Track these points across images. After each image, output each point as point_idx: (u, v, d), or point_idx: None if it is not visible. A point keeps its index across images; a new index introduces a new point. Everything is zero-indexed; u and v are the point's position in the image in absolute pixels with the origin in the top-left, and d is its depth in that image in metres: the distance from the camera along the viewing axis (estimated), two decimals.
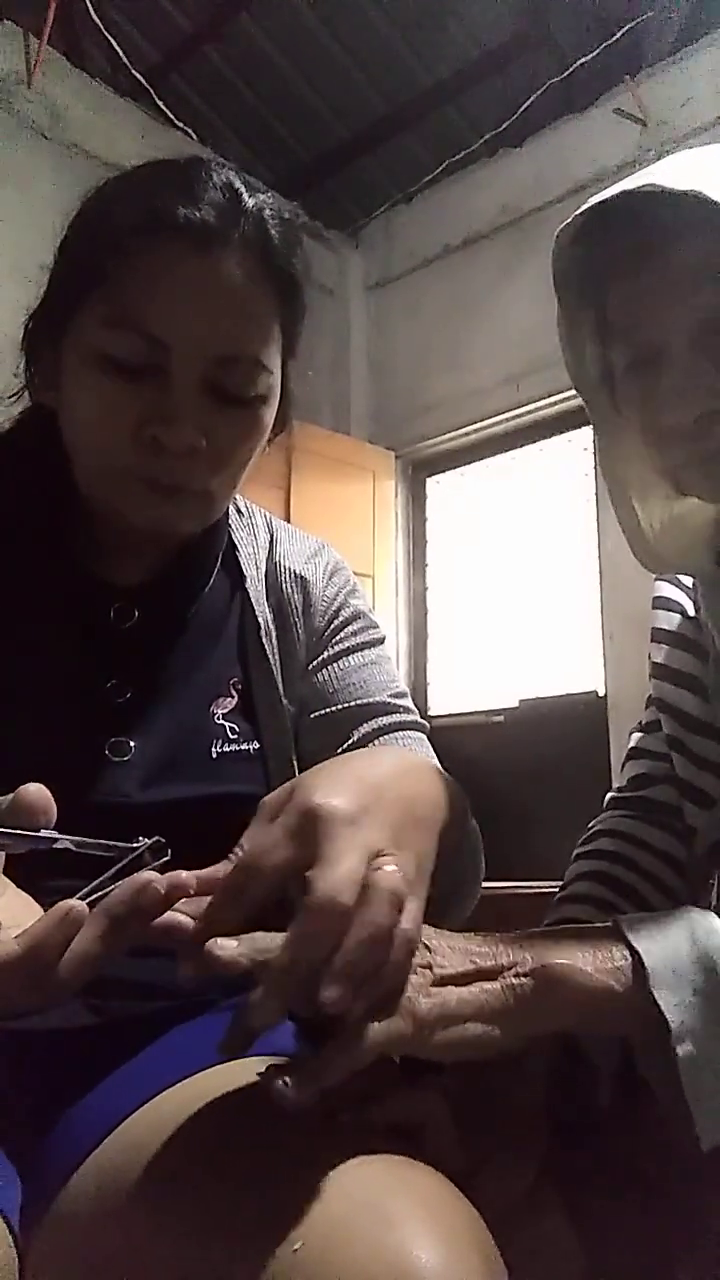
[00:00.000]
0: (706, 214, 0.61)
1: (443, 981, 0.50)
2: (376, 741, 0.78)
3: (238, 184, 0.69)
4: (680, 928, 0.52)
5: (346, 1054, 0.47)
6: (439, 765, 0.81)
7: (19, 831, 0.45)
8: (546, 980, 0.50)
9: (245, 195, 0.69)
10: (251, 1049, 0.49)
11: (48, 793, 0.46)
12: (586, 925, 0.54)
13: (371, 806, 0.51)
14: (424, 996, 0.49)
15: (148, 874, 0.45)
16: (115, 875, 0.46)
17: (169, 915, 0.47)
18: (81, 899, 0.44)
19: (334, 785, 0.51)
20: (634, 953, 0.51)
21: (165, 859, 0.47)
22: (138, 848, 0.47)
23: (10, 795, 0.46)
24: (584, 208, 0.68)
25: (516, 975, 0.50)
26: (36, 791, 0.46)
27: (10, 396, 0.77)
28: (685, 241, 0.65)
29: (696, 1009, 0.49)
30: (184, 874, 0.46)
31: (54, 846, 0.45)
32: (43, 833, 0.45)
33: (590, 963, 0.50)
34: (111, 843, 0.47)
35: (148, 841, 0.47)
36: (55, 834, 0.46)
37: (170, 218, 0.65)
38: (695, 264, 0.65)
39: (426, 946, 0.51)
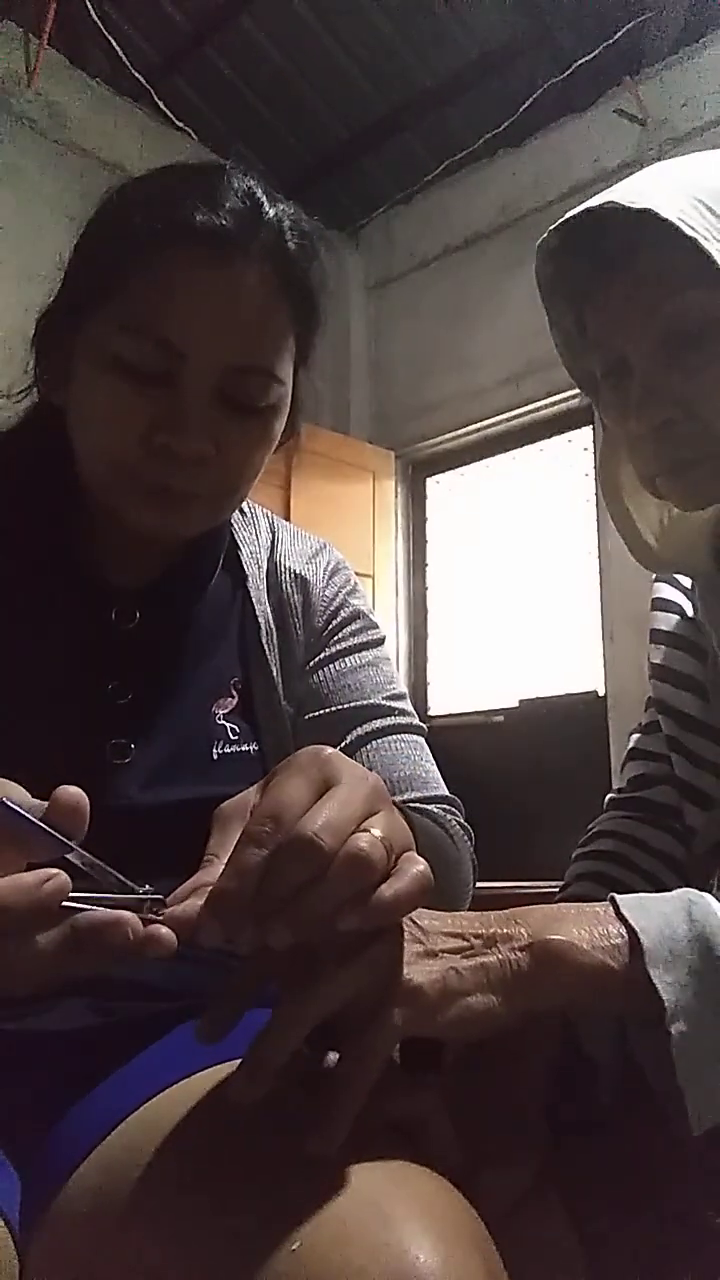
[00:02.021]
0: (661, 231, 0.64)
1: (436, 955, 0.50)
2: (370, 744, 0.77)
3: (259, 192, 0.69)
4: (677, 907, 0.52)
5: (292, 1018, 0.47)
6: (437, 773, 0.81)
7: (52, 832, 0.44)
8: (543, 955, 0.50)
9: (266, 204, 0.69)
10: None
11: (85, 797, 0.46)
12: (583, 903, 0.54)
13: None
14: (420, 973, 0.49)
15: (129, 915, 0.45)
16: (104, 901, 0.46)
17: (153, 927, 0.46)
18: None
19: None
20: (631, 930, 0.51)
21: (157, 920, 0.46)
22: (142, 896, 0.47)
23: (44, 802, 0.45)
24: (557, 223, 0.71)
25: (513, 949, 0.50)
26: (74, 794, 0.45)
27: (18, 393, 0.77)
28: (643, 257, 0.68)
29: (691, 988, 0.49)
30: (163, 930, 0.45)
31: (66, 856, 0.45)
32: (70, 843, 0.45)
33: (587, 939, 0.50)
34: (118, 874, 0.47)
35: (151, 895, 0.47)
36: (75, 846, 0.45)
37: (190, 224, 0.65)
38: (654, 278, 0.68)
39: (416, 923, 0.51)
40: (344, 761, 0.50)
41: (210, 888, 0.46)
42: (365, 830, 0.46)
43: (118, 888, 0.47)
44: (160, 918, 0.46)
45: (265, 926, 0.44)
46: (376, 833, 0.46)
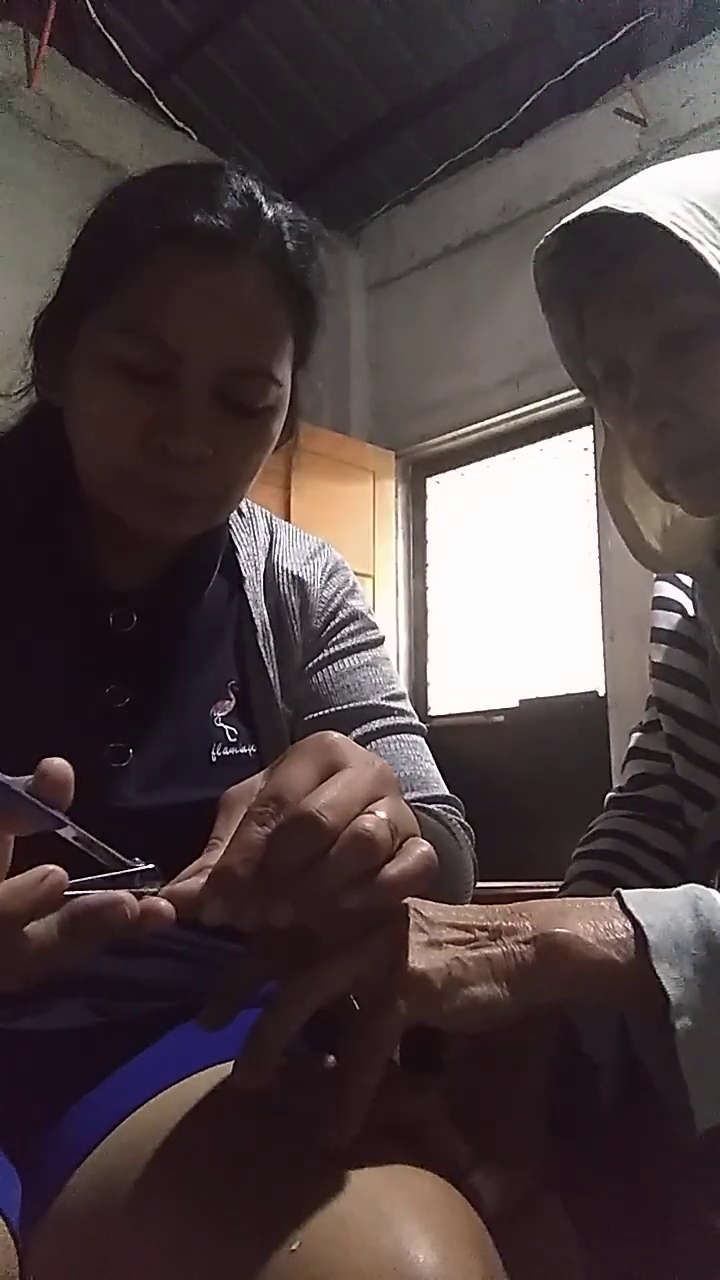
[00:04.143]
0: (655, 234, 0.65)
1: (441, 946, 0.50)
2: (370, 745, 0.77)
3: (257, 193, 0.69)
4: (683, 903, 0.52)
5: (293, 1000, 0.47)
6: (437, 772, 0.81)
7: (42, 805, 0.44)
8: (547, 948, 0.49)
9: (264, 205, 0.69)
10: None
11: (69, 768, 0.45)
12: (588, 897, 0.54)
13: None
14: (425, 961, 0.49)
15: (125, 894, 0.45)
16: (100, 883, 0.46)
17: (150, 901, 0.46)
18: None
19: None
20: (636, 925, 0.50)
21: (153, 891, 0.46)
22: (133, 869, 0.47)
23: (29, 776, 0.45)
24: (553, 229, 0.72)
25: (517, 942, 0.50)
26: (60, 766, 0.45)
27: (17, 393, 0.77)
28: (638, 261, 0.69)
29: (697, 984, 0.49)
30: (161, 901, 0.45)
31: (59, 831, 0.45)
32: (61, 815, 0.45)
33: (592, 933, 0.50)
34: (111, 850, 0.47)
35: (144, 867, 0.47)
36: (65, 819, 0.45)
37: (188, 225, 0.65)
38: (648, 282, 0.69)
39: (420, 914, 0.51)
40: (350, 746, 0.50)
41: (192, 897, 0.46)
42: (370, 812, 0.46)
43: (109, 860, 0.47)
44: (154, 891, 0.46)
45: (267, 904, 0.44)
46: (381, 815, 0.46)
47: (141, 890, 0.46)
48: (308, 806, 0.45)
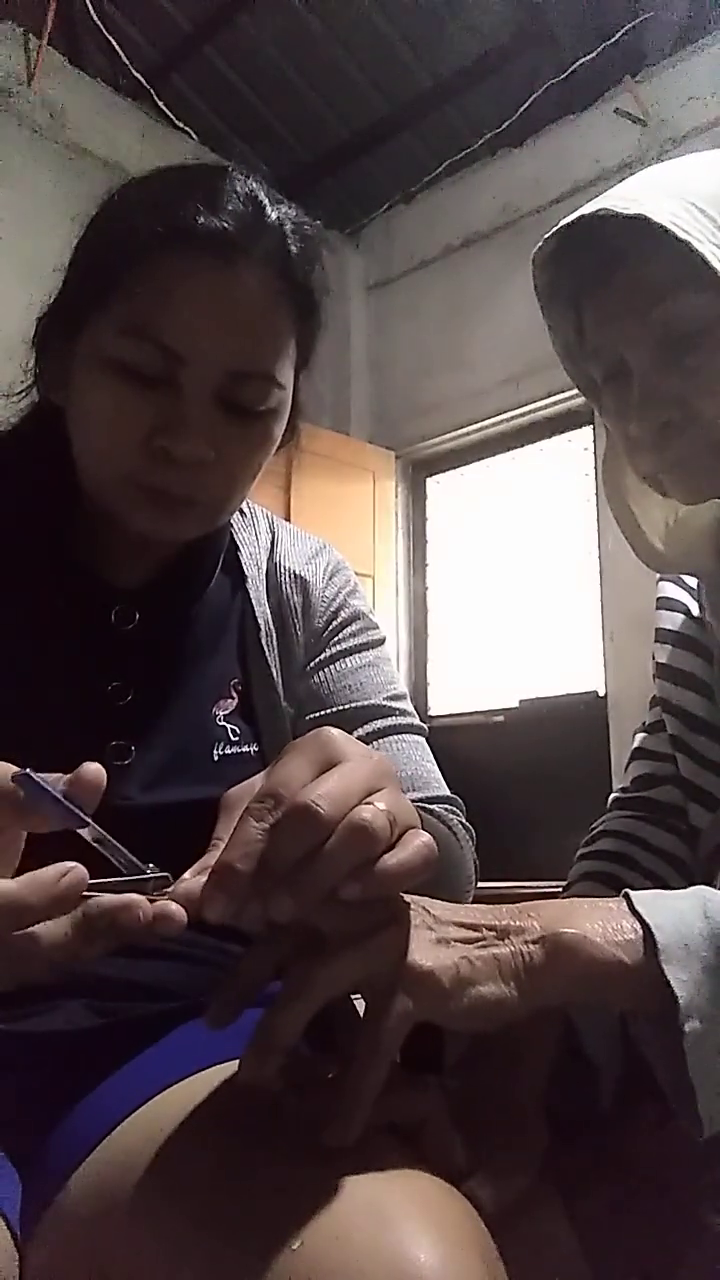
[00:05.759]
0: (654, 235, 0.65)
1: (448, 944, 0.50)
2: (372, 745, 0.77)
3: (261, 195, 0.69)
4: (692, 904, 0.51)
5: (299, 994, 0.47)
6: (438, 772, 0.81)
7: (71, 806, 0.45)
8: (555, 948, 0.49)
9: (268, 208, 0.69)
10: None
11: (103, 773, 0.46)
12: (596, 898, 0.54)
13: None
14: (432, 959, 0.49)
15: (138, 897, 0.45)
16: (113, 886, 0.46)
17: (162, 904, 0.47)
18: None
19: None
20: (645, 926, 0.50)
21: (164, 894, 0.46)
22: (147, 876, 0.47)
23: (60, 775, 0.46)
24: (552, 231, 0.72)
25: (525, 942, 0.50)
26: (96, 771, 0.46)
27: (18, 392, 0.77)
28: (638, 261, 0.69)
29: (706, 986, 0.48)
30: (173, 906, 0.45)
31: (79, 830, 0.45)
32: (86, 817, 0.45)
33: (600, 934, 0.50)
34: (127, 853, 0.47)
35: (157, 874, 0.47)
36: (90, 820, 0.46)
37: (191, 227, 0.65)
38: (649, 282, 0.69)
39: (428, 912, 0.51)
40: (347, 740, 0.50)
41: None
42: (368, 803, 0.46)
43: (126, 864, 0.47)
44: (166, 893, 0.46)
45: (268, 899, 0.44)
46: (379, 805, 0.46)
47: (153, 895, 0.46)
48: (304, 798, 0.45)
